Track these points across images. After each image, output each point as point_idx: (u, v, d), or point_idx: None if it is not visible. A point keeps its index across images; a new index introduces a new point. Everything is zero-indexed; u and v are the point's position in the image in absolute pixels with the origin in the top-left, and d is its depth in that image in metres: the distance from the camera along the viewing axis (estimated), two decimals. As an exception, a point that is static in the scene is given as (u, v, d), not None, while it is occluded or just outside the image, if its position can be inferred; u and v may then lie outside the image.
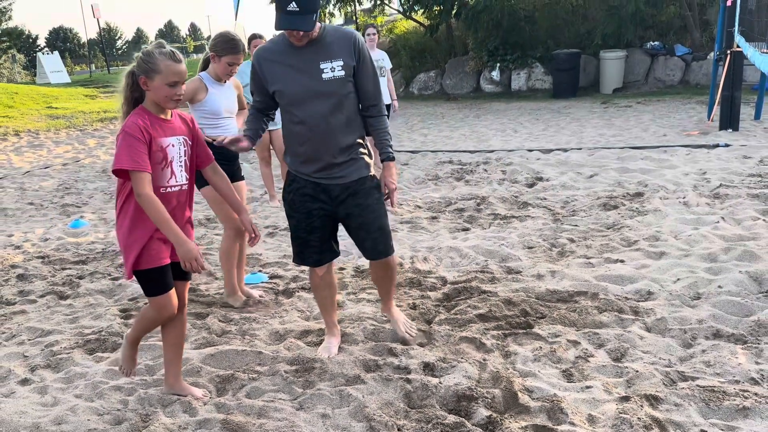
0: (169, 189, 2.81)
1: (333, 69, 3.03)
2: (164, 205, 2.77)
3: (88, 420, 2.92)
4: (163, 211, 2.70)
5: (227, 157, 4.02)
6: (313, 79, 3.03)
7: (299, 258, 3.36)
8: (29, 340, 3.91)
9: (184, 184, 2.89)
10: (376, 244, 3.28)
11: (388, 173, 3.27)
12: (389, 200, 3.31)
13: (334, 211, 3.22)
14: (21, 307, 4.46)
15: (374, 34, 8.36)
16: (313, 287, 3.49)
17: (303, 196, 3.19)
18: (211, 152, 3.05)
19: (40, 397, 3.21)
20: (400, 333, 3.55)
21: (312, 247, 3.28)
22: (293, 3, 2.83)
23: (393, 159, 3.28)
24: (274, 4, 2.90)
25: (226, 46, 4.01)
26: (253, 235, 3.09)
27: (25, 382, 3.38)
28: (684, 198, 6.03)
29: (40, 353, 3.69)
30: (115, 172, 2.71)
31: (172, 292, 2.91)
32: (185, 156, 2.87)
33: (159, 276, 2.83)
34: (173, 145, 2.81)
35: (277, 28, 2.90)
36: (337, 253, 3.44)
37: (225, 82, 4.18)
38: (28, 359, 3.63)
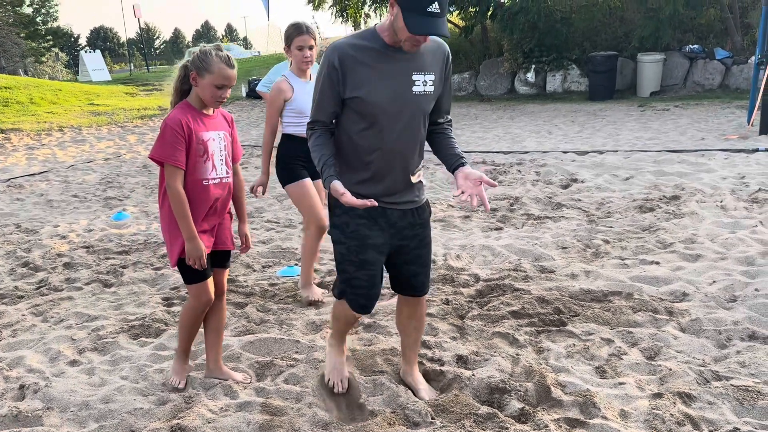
0: (211, 181, 2.96)
1: (425, 83, 2.65)
2: (207, 196, 2.92)
3: (134, 400, 3.05)
4: (186, 207, 2.86)
5: (310, 158, 4.12)
6: (403, 90, 2.61)
7: (347, 298, 2.86)
8: (77, 324, 4.07)
9: (225, 177, 3.02)
10: (425, 278, 2.96)
11: (475, 168, 2.71)
12: (482, 203, 2.65)
13: (389, 243, 2.79)
14: (68, 293, 4.64)
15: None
16: (344, 330, 3.13)
17: (359, 218, 2.72)
18: (241, 153, 3.17)
19: (88, 377, 3.36)
20: (428, 395, 3.05)
21: (358, 288, 2.79)
22: (436, 3, 2.40)
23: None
24: (399, 4, 2.44)
25: (289, 32, 4.15)
26: (244, 246, 3.22)
27: (73, 363, 3.53)
28: (721, 201, 5.97)
29: (87, 337, 3.85)
30: (152, 158, 2.89)
31: (210, 280, 3.04)
32: (225, 151, 3.02)
33: None
34: (214, 140, 2.95)
35: (415, 32, 2.43)
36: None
37: (308, 77, 4.26)
38: (76, 342, 3.79)
